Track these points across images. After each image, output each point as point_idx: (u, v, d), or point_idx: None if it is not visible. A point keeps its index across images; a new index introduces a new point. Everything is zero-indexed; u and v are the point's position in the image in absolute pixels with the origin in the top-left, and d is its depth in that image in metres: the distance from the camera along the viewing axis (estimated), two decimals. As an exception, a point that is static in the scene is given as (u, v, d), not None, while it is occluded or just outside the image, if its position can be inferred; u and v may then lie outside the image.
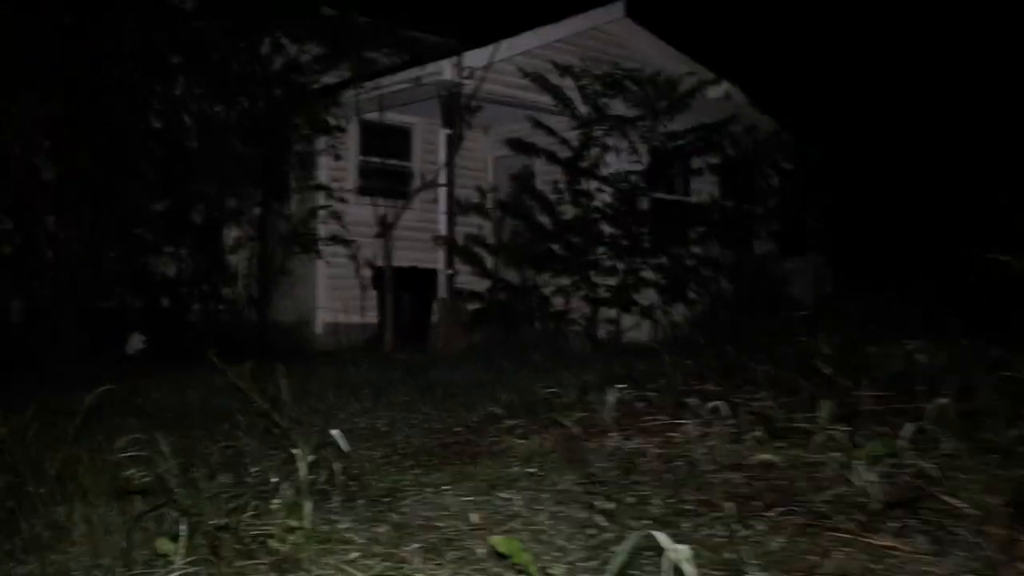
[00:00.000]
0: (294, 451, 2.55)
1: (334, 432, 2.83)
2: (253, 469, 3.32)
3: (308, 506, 2.38)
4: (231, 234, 10.02)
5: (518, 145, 10.15)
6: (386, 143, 11.87)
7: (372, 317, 10.30)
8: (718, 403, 3.63)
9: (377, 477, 3.35)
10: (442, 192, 10.17)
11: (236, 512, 2.53)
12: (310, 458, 2.55)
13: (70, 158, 7.45)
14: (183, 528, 2.27)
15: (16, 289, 8.03)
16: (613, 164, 10.09)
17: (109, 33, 8.08)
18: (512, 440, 3.70)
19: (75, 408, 3.44)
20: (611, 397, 3.85)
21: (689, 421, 3.57)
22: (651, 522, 2.57)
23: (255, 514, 2.52)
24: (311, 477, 2.60)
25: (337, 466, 2.90)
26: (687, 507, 2.73)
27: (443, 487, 3.16)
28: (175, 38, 9.01)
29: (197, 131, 9.45)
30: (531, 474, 3.24)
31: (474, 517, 2.66)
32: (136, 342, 9.18)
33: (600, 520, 2.63)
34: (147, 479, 2.81)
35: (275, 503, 2.51)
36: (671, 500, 2.79)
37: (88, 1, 7.89)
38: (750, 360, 4.60)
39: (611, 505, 2.75)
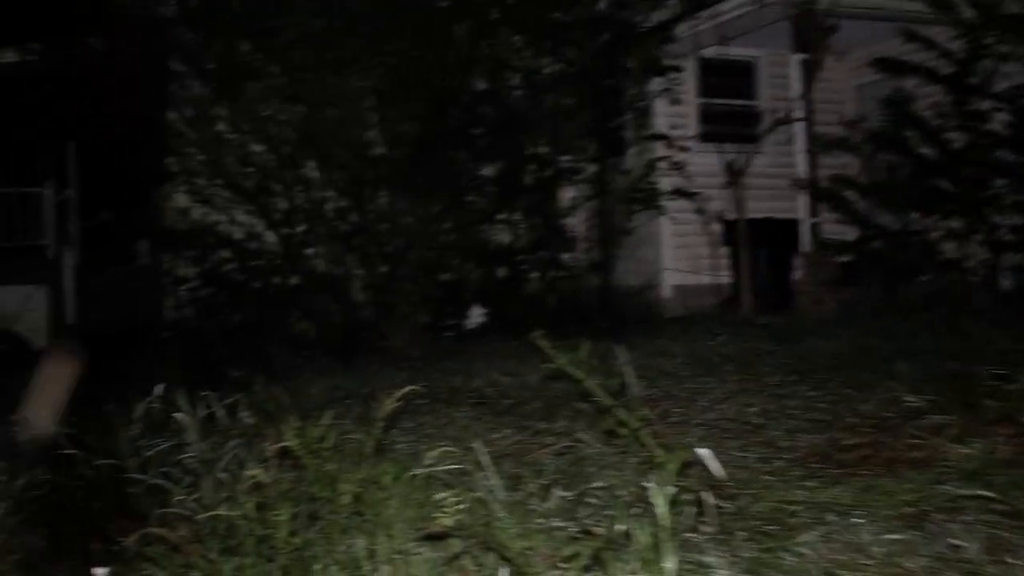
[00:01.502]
0: (647, 485, 1.89)
1: (702, 453, 2.15)
2: (596, 484, 2.74)
3: (671, 566, 1.72)
4: (566, 195, 9.64)
5: (889, 65, 8.77)
6: (727, 82, 11.03)
7: (724, 277, 9.50)
8: None
9: (757, 493, 2.63)
10: (799, 129, 9.09)
11: (574, 559, 1.94)
12: (670, 489, 1.89)
13: (398, 129, 7.38)
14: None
15: (355, 266, 8.18)
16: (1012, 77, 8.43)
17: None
18: (942, 444, 2.80)
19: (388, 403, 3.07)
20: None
21: None
22: None
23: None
24: (674, 512, 1.94)
25: (708, 497, 2.21)
26: None
27: (851, 511, 2.38)
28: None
29: (523, 88, 9.13)
30: (979, 497, 2.36)
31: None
32: (476, 315, 9.09)
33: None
34: (462, 505, 2.31)
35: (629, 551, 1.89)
36: None
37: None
38: None
39: None
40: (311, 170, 8.42)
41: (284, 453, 2.89)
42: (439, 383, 5.86)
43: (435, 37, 7.09)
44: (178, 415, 3.80)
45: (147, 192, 12.93)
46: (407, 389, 3.06)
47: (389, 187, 7.62)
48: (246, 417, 4.02)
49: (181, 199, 9.22)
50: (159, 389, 4.22)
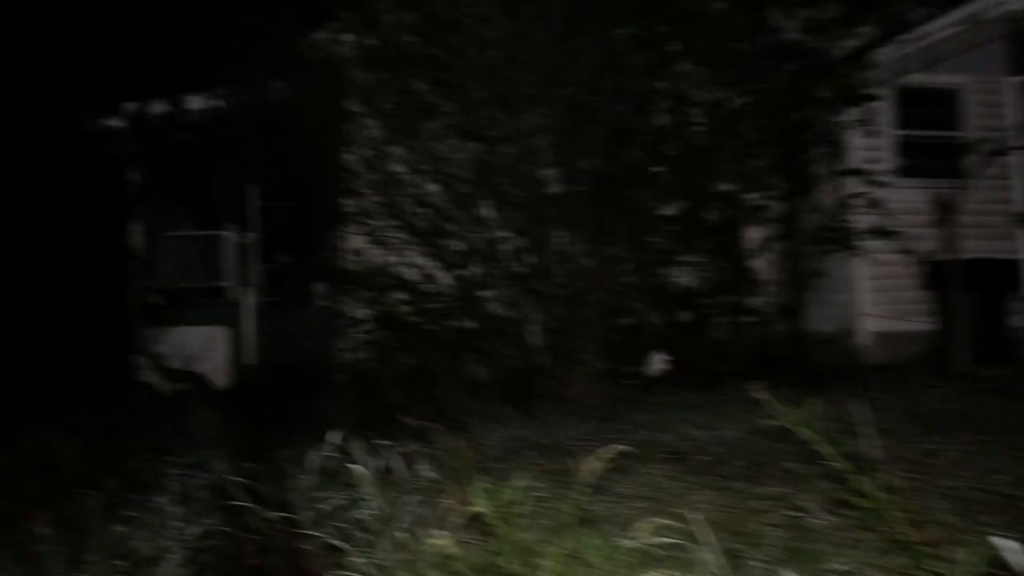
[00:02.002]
0: None
1: (1003, 544, 1.73)
2: (834, 566, 2.35)
3: None
4: (752, 235, 9.16)
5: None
6: (928, 111, 10.34)
7: (927, 323, 8.77)
8: None
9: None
10: (1015, 161, 8.35)
11: None
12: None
13: (576, 166, 7.14)
14: None
15: (532, 309, 7.97)
16: None
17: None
18: None
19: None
20: None
21: None
22: None
23: None
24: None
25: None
26: None
27: None
28: (672, 23, 8.42)
29: (705, 123, 8.75)
30: None
31: None
32: (656, 362, 8.70)
33: None
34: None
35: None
36: None
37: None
38: None
39: None
40: (486, 210, 8.30)
41: (471, 516, 2.64)
42: (626, 436, 5.52)
43: (614, 71, 6.82)
44: (354, 466, 3.61)
45: (324, 234, 13.25)
46: (613, 449, 2.73)
47: (567, 227, 7.37)
48: (425, 470, 3.80)
49: (357, 240, 9.29)
50: (334, 437, 4.06)
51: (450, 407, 6.75)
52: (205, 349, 11.46)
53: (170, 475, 4.65)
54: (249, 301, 12.21)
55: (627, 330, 8.24)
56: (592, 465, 2.61)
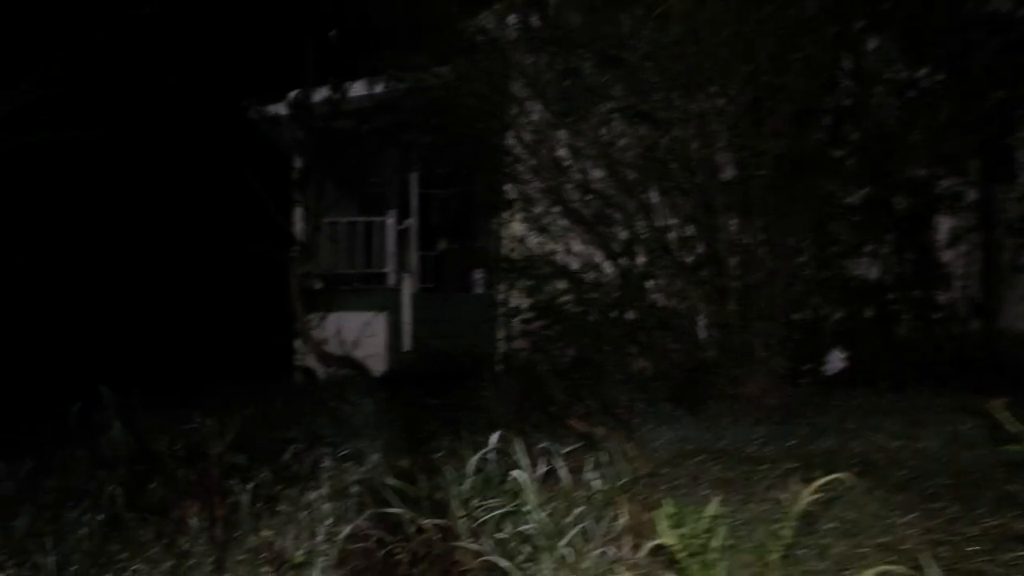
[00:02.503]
0: None
1: None
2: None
3: None
4: (943, 225, 8.51)
5: None
6: None
7: None
8: None
9: None
10: None
11: None
12: None
13: (754, 149, 6.72)
14: None
15: (701, 302, 7.62)
16: None
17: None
18: None
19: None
20: None
21: None
22: None
23: None
24: None
25: None
26: None
27: None
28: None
29: (894, 103, 8.15)
30: None
31: None
32: (835, 360, 8.20)
33: None
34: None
35: None
36: None
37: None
38: None
39: None
40: (653, 197, 7.99)
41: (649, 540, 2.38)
42: (809, 442, 5.15)
43: (800, 46, 6.36)
44: (515, 473, 3.40)
45: (485, 221, 13.19)
46: (828, 479, 2.42)
47: (742, 214, 6.97)
48: (593, 478, 3.55)
49: (517, 227, 9.13)
50: (494, 439, 3.84)
51: (613, 404, 6.50)
52: (363, 335, 11.57)
53: (323, 468, 4.58)
54: (407, 288, 12.25)
55: (804, 325, 7.78)
56: (806, 498, 2.30)
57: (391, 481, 3.98)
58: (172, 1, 9.52)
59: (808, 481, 4.25)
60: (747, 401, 6.50)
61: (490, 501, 3.45)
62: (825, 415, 6.01)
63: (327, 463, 4.70)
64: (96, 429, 5.38)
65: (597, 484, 3.46)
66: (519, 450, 3.66)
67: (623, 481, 3.35)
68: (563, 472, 3.59)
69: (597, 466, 3.56)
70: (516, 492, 3.28)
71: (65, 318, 11.16)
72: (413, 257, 13.39)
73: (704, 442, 5.43)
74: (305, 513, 3.77)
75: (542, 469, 3.55)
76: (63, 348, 10.64)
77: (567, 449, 4.41)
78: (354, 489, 4.20)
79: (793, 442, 5.15)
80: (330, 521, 3.69)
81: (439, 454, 4.95)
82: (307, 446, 5.09)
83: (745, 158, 6.47)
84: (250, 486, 3.91)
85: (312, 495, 3.91)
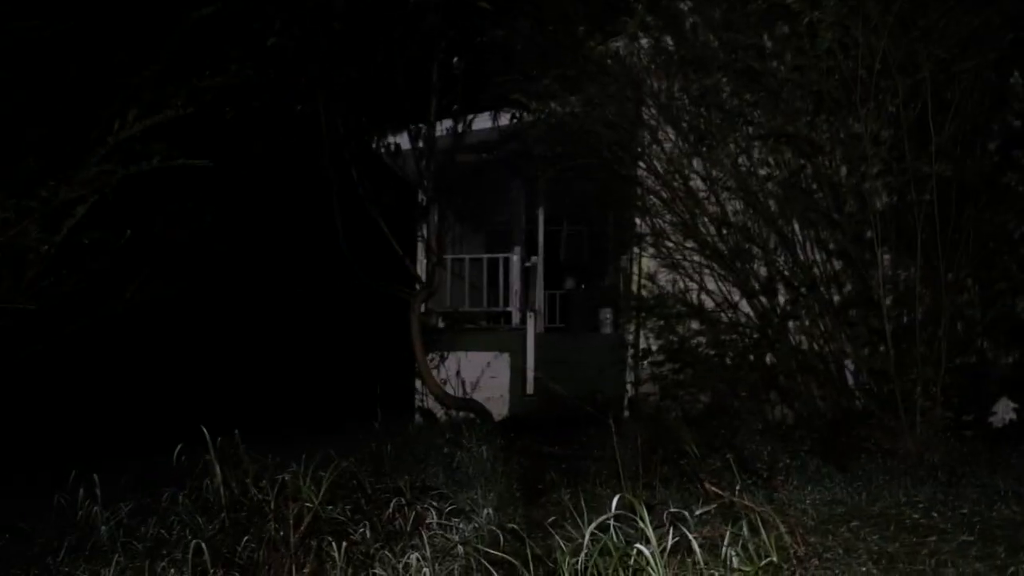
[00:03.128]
0: None
1: None
2: None
3: None
4: None
5: None
6: None
7: None
8: None
9: None
10: None
11: None
12: None
13: (915, 174, 6.10)
14: None
15: (850, 344, 6.99)
16: None
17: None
18: None
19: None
20: None
21: None
22: None
23: None
24: None
25: None
26: None
27: None
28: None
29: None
30: None
31: None
32: (1004, 411, 7.42)
33: None
34: None
35: None
36: None
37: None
38: None
39: None
40: (796, 229, 7.43)
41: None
42: (983, 507, 4.50)
43: (967, 59, 5.74)
44: (639, 546, 2.91)
45: (613, 257, 12.76)
46: None
47: (896, 248, 6.35)
48: (733, 553, 3.03)
49: (648, 263, 8.68)
50: (614, 504, 3.34)
51: (753, 458, 5.94)
52: (484, 376, 11.26)
53: (429, 525, 4.20)
54: (532, 327, 11.88)
55: (968, 371, 7.04)
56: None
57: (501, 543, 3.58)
58: (295, 32, 9.49)
59: (990, 557, 3.66)
60: (904, 457, 5.84)
61: (609, 578, 2.97)
62: (998, 475, 5.32)
63: (432, 518, 4.33)
64: (200, 472, 5.14)
65: (735, 561, 2.95)
66: (644, 517, 3.16)
67: (766, 561, 2.84)
68: (695, 543, 3.08)
69: (736, 539, 3.04)
70: (640, 569, 2.82)
71: (181, 354, 11.23)
72: (538, 295, 13.03)
73: (857, 505, 4.84)
74: (398, 578, 3.40)
75: (669, 539, 3.06)
76: (177, 385, 10.69)
77: (700, 511, 3.93)
78: (460, 550, 3.81)
79: (964, 509, 4.51)
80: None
81: (557, 511, 4.53)
82: (414, 497, 4.73)
83: (904, 184, 5.85)
84: (344, 545, 3.56)
85: (412, 556, 3.53)
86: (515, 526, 4.08)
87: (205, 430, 4.77)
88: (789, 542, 3.19)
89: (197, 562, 3.75)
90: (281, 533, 3.67)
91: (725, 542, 3.07)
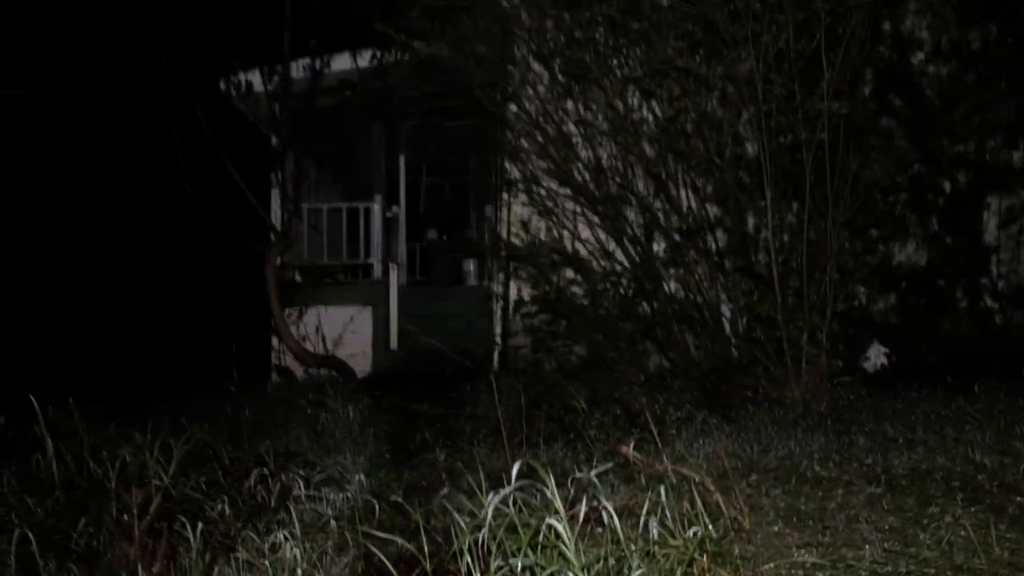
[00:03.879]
0: None
1: None
2: None
3: None
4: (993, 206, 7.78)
5: None
6: None
7: None
8: None
9: None
10: None
11: None
12: None
13: (796, 116, 5.93)
14: None
15: (729, 291, 6.87)
16: None
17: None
18: None
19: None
20: None
21: None
22: None
23: None
24: None
25: None
26: None
27: None
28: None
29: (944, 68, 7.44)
30: None
31: None
32: (876, 355, 7.46)
33: None
34: None
35: None
36: None
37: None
38: None
39: None
40: (674, 175, 7.23)
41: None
42: (884, 458, 4.37)
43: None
44: (551, 520, 2.53)
45: (478, 207, 12.40)
46: None
47: (780, 192, 6.18)
48: (654, 526, 2.67)
49: (519, 211, 8.35)
50: (515, 470, 2.92)
51: (638, 411, 5.70)
52: (346, 332, 10.75)
53: (296, 498, 3.78)
54: (395, 280, 11.43)
55: (841, 317, 7.01)
56: None
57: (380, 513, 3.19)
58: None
59: (901, 510, 3.50)
60: (792, 406, 5.71)
61: (512, 556, 2.57)
62: (886, 422, 5.23)
63: (299, 489, 3.90)
64: (30, 448, 4.51)
65: (656, 530, 2.62)
66: (551, 486, 2.76)
67: (695, 532, 2.51)
68: (612, 513, 2.70)
69: (656, 507, 2.69)
70: (550, 546, 2.45)
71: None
72: (401, 247, 12.57)
73: (751, 458, 4.65)
74: (269, 560, 2.96)
75: (582, 510, 2.70)
76: None
77: (595, 471, 3.62)
78: (333, 525, 3.40)
79: (865, 459, 4.37)
80: (300, 571, 2.90)
81: (437, 477, 4.18)
82: (280, 464, 4.28)
83: (795, 124, 5.64)
84: (200, 526, 3.09)
85: (279, 534, 3.10)
86: (397, 499, 3.69)
87: (34, 400, 4.17)
88: (725, 510, 2.91)
89: (23, 552, 3.20)
90: (124, 516, 3.18)
91: (644, 510, 2.74)
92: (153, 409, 5.66)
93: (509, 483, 2.70)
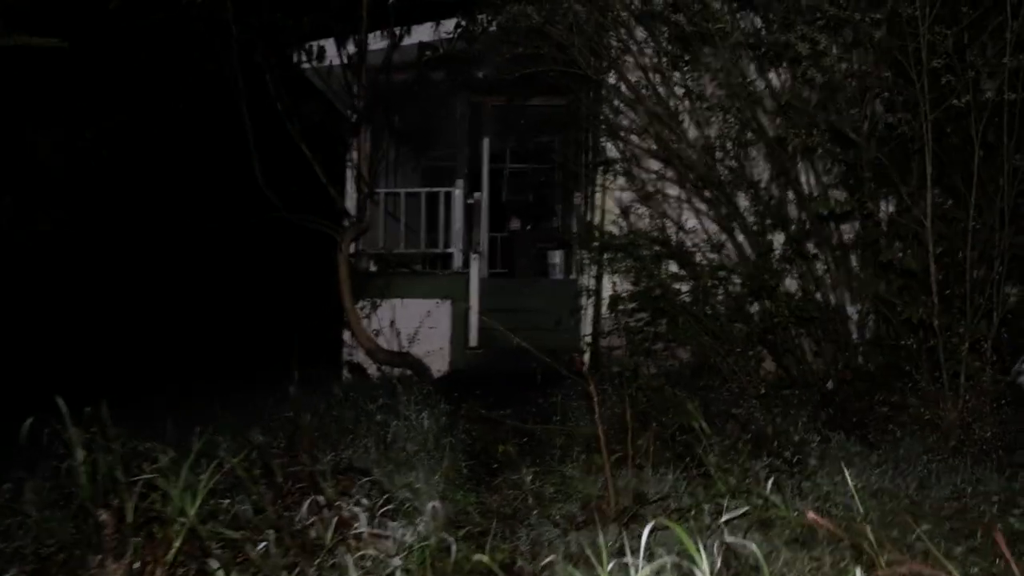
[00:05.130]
0: None
1: None
2: None
3: None
4: None
5: None
6: None
7: None
8: None
9: None
10: None
11: None
12: None
13: (941, 89, 5.02)
14: None
15: (859, 291, 6.00)
16: None
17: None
18: None
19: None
20: None
21: None
22: None
23: None
24: None
25: None
26: None
27: None
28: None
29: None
30: None
31: None
32: (1028, 368, 6.48)
33: None
34: None
35: None
36: None
37: None
38: None
39: None
40: (797, 161, 6.36)
41: None
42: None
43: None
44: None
45: (567, 195, 11.61)
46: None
47: (933, 178, 5.25)
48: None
49: (618, 196, 7.54)
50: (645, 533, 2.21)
51: (762, 431, 4.85)
52: (423, 326, 10.07)
53: (356, 534, 3.06)
54: (476, 271, 10.70)
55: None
56: None
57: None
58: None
59: None
60: (947, 430, 4.80)
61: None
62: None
63: (362, 523, 3.17)
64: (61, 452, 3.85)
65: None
66: (685, 538, 2.04)
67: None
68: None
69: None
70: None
71: (60, 301, 9.79)
72: (483, 236, 11.82)
73: (914, 497, 3.79)
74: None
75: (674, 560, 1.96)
76: (55, 337, 9.26)
77: (727, 517, 2.90)
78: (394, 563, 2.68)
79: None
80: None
81: (517, 501, 3.45)
82: (338, 491, 3.55)
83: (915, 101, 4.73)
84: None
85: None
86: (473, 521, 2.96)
87: (61, 402, 3.49)
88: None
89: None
90: (136, 565, 2.50)
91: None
92: (208, 407, 5.05)
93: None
